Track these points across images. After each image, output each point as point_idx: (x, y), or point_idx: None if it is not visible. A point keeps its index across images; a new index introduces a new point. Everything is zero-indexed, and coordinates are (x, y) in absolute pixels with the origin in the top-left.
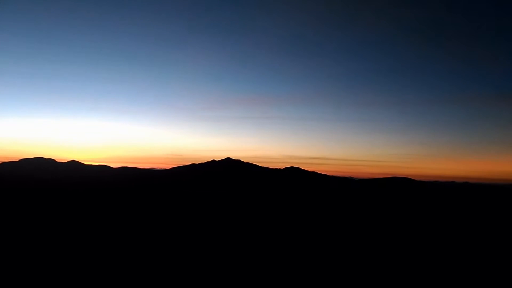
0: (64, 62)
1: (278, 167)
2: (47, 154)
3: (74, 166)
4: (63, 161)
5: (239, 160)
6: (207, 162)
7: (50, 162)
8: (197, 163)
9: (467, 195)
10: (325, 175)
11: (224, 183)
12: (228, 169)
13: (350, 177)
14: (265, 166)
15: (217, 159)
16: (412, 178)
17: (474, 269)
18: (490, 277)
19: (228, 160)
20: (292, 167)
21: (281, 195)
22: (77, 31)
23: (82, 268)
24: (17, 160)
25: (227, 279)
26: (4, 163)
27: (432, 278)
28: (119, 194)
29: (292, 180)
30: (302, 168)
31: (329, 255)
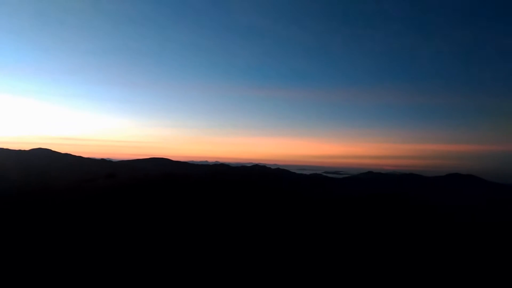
0: None
1: (23, 149)
2: None
3: None
4: None
5: None
6: None
7: None
8: None
9: (217, 174)
10: (80, 157)
11: None
12: None
13: (108, 158)
14: (4, 147)
15: None
16: (170, 158)
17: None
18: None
19: None
20: (40, 148)
21: (26, 180)
22: None
23: None
24: None
25: None
26: None
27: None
28: None
29: (40, 163)
30: (53, 149)
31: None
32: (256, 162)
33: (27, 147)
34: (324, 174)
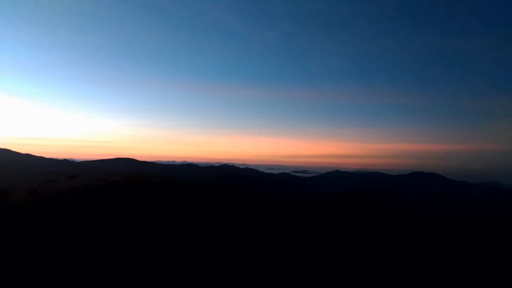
0: None
1: None
2: None
3: None
4: None
5: None
6: None
7: None
8: None
9: (186, 172)
10: (41, 157)
11: None
12: None
13: (71, 159)
14: None
15: None
16: (136, 158)
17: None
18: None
19: None
20: None
21: None
22: None
23: None
24: None
25: None
26: None
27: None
28: None
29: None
30: (12, 149)
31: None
32: (225, 162)
33: None
34: (293, 173)
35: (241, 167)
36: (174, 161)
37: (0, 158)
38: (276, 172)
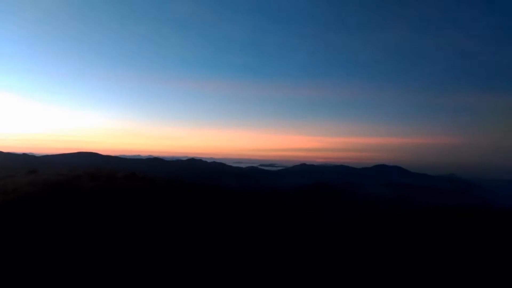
0: None
1: None
2: None
3: None
4: None
5: None
6: None
7: None
8: None
9: (152, 167)
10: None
11: None
12: None
13: (31, 153)
14: None
15: None
16: (99, 152)
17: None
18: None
19: None
20: None
21: None
22: None
23: None
24: None
25: None
26: None
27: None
28: None
29: None
30: None
31: None
32: (192, 155)
33: None
34: (260, 167)
35: (208, 161)
36: (139, 155)
37: None
38: (244, 165)
